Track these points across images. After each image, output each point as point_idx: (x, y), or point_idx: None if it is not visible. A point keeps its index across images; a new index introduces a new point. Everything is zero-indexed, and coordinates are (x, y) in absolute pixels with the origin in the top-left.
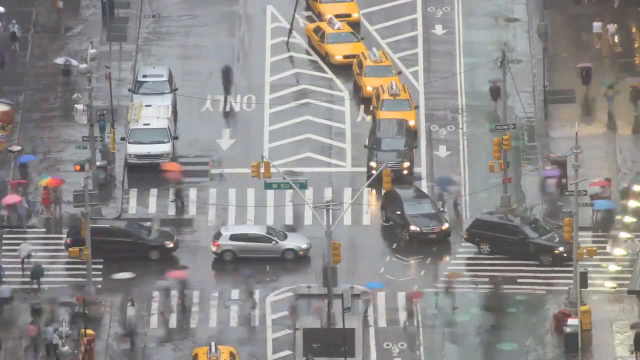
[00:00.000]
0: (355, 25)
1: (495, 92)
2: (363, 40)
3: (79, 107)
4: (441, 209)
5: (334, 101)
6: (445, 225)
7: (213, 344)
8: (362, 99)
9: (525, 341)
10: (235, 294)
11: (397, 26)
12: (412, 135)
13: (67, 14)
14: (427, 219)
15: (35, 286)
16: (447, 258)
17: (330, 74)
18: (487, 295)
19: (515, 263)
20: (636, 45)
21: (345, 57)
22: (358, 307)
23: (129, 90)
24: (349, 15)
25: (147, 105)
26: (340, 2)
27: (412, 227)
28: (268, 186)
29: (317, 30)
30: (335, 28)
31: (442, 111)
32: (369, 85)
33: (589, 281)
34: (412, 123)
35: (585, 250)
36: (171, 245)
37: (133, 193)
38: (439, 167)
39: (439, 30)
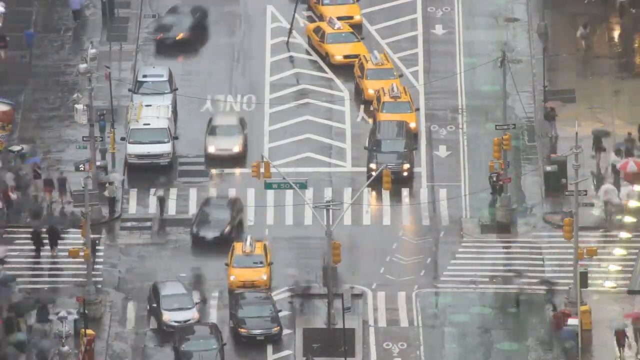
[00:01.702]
0: (357, 27)
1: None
2: (363, 41)
3: (79, 107)
4: None
5: (334, 101)
6: None
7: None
8: (363, 101)
9: (525, 341)
10: None
11: (397, 26)
12: (412, 137)
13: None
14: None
15: None
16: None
17: (330, 74)
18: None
19: (516, 263)
20: (636, 45)
21: (345, 57)
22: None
23: (129, 90)
24: (351, 18)
25: (147, 105)
26: (342, 4)
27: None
28: (268, 186)
29: (317, 30)
30: (335, 28)
31: (442, 111)
32: (371, 88)
33: (589, 281)
34: (412, 125)
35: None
36: None
37: (133, 193)
38: (439, 167)
39: (439, 30)
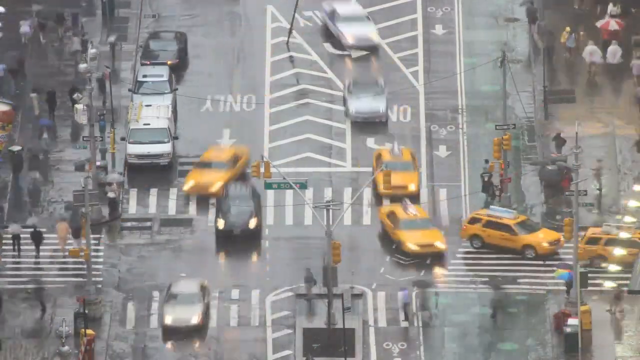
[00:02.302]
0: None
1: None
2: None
3: (79, 107)
4: None
5: (334, 101)
6: None
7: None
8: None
9: (525, 341)
10: (235, 293)
11: (397, 26)
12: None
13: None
14: None
15: None
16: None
17: (330, 74)
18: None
19: (516, 263)
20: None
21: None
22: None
23: (129, 90)
24: (405, 187)
25: (147, 105)
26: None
27: None
28: (268, 186)
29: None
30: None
31: (442, 111)
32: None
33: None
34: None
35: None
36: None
37: (133, 193)
38: (439, 167)
39: (439, 30)
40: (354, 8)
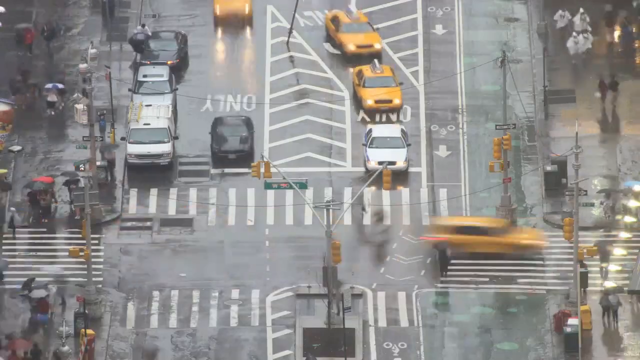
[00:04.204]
0: (377, 56)
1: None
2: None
3: (79, 107)
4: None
5: (334, 101)
6: None
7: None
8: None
9: (525, 341)
10: (235, 293)
11: (398, 26)
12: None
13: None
14: None
15: None
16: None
17: (330, 74)
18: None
19: (517, 263)
20: (636, 45)
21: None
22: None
23: (129, 90)
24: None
25: (147, 105)
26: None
27: None
28: (268, 186)
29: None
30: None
31: (442, 111)
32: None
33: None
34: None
35: (585, 250)
36: None
37: (133, 193)
38: (439, 167)
39: (439, 30)
40: (390, 130)
